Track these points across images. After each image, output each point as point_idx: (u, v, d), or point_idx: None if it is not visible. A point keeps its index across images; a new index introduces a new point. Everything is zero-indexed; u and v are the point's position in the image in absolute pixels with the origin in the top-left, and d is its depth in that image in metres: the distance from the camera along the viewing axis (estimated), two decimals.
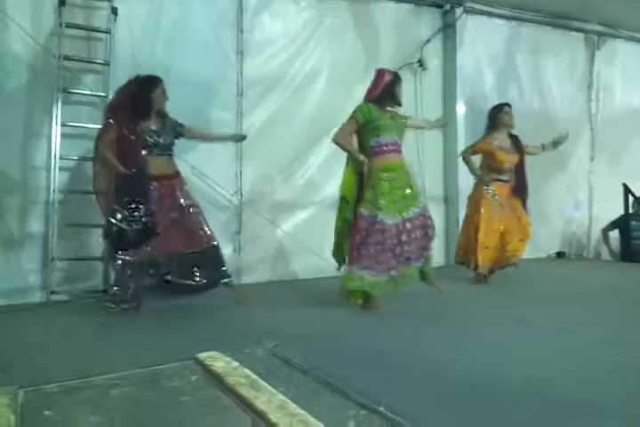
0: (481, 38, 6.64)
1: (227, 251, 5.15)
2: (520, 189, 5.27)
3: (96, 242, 4.53)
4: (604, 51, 7.51)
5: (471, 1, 6.35)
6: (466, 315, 3.89)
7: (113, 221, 3.79)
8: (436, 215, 5.60)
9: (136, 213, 3.77)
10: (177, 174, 4.14)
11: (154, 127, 4.00)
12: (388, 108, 4.10)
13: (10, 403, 2.05)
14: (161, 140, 3.99)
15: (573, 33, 7.32)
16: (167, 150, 4.06)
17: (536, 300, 4.39)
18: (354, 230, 3.97)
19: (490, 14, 6.64)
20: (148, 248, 3.91)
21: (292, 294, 4.64)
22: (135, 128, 3.89)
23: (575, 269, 6.57)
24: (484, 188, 5.15)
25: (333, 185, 5.61)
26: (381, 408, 2.04)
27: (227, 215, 5.23)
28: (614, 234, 7.31)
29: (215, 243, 4.18)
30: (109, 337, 3.36)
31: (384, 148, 4.00)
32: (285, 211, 5.49)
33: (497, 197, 5.13)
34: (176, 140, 4.16)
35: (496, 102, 5.48)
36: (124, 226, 3.75)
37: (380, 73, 4.14)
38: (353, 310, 3.93)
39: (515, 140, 5.24)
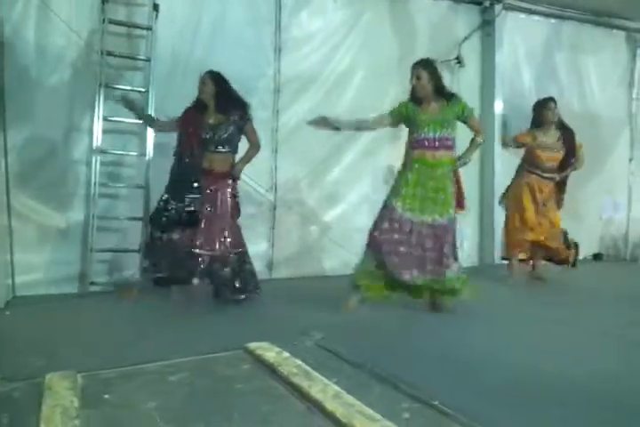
0: (520, 36, 6.55)
1: (261, 246, 5.24)
2: (558, 189, 5.23)
3: (134, 234, 4.61)
4: None
5: None
6: (506, 315, 3.87)
7: (159, 207, 3.91)
8: (472, 216, 5.59)
9: (181, 204, 3.83)
10: (227, 174, 4.09)
11: (211, 121, 4.02)
12: (432, 103, 3.92)
13: (71, 386, 2.12)
14: (215, 136, 3.99)
15: (614, 31, 7.16)
16: (223, 146, 4.03)
17: (575, 301, 4.34)
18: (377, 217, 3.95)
19: (530, 11, 6.54)
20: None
21: (325, 290, 4.65)
22: (191, 122, 3.95)
23: (613, 271, 6.45)
24: (525, 181, 5.15)
25: (365, 183, 5.66)
26: (436, 402, 2.05)
27: (261, 210, 5.27)
28: None
29: (237, 252, 4.11)
30: (150, 326, 3.44)
31: (423, 142, 3.87)
32: (318, 207, 5.51)
33: (537, 192, 5.09)
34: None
35: (535, 100, 5.42)
36: (168, 212, 3.84)
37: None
38: (386, 305, 3.92)
39: (567, 135, 5.18)
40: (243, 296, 4.05)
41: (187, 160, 3.91)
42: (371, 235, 3.89)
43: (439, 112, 3.90)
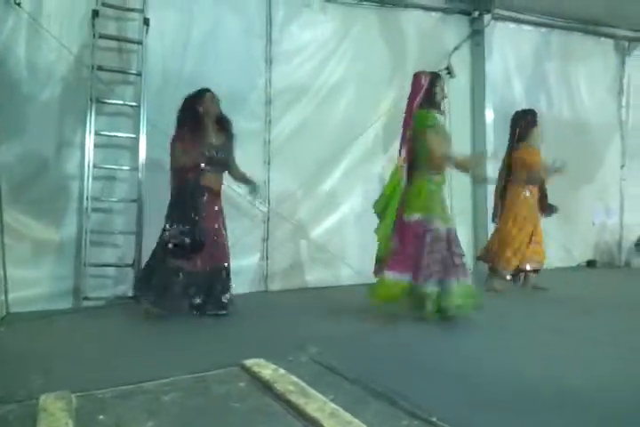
0: (509, 45, 6.60)
1: (254, 258, 5.22)
2: (542, 196, 5.28)
3: (127, 249, 4.60)
4: (635, 56, 7.38)
5: (500, 8, 6.31)
6: (502, 326, 3.85)
7: (167, 233, 3.90)
8: (464, 228, 5.58)
9: (187, 227, 3.84)
10: (221, 191, 4.21)
11: (214, 141, 4.05)
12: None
13: (66, 408, 2.10)
14: (218, 155, 4.03)
15: (603, 39, 7.23)
16: (223, 166, 4.11)
17: (569, 310, 4.34)
18: (410, 237, 3.89)
19: (519, 21, 6.59)
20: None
21: (320, 302, 4.64)
22: (191, 142, 3.93)
23: (607, 278, 6.46)
24: (522, 189, 5.16)
25: (359, 193, 5.66)
26: (434, 418, 2.04)
27: (254, 222, 5.27)
28: None
29: (226, 264, 4.13)
30: (145, 342, 3.42)
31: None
32: (312, 219, 5.51)
33: (531, 199, 5.12)
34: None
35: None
36: (175, 239, 3.83)
37: (416, 77, 4.02)
38: (382, 316, 3.90)
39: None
40: (225, 312, 4.04)
41: (191, 179, 3.93)
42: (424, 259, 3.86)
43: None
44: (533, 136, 5.15)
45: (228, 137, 4.12)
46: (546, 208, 5.26)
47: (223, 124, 4.13)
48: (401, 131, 4.04)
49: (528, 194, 5.15)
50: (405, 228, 3.90)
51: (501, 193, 5.29)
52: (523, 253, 5.08)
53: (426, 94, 3.94)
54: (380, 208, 3.96)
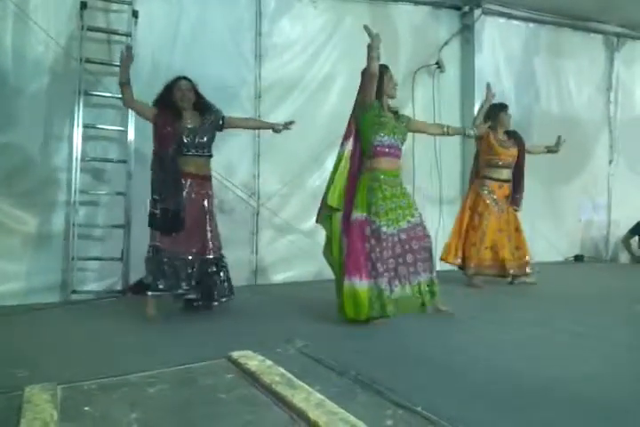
0: (499, 40, 6.63)
1: (244, 252, 5.22)
2: (516, 189, 5.22)
3: (116, 242, 4.59)
4: (624, 52, 7.45)
5: (489, 2, 6.33)
6: (486, 319, 3.87)
7: (150, 208, 3.85)
8: (452, 217, 5.60)
9: (165, 203, 3.79)
10: (209, 177, 4.09)
11: (190, 125, 3.95)
12: (390, 107, 3.86)
13: (51, 399, 2.09)
14: (197, 139, 3.94)
15: (592, 35, 7.27)
16: (204, 150, 3.99)
17: (555, 304, 4.38)
18: (354, 237, 3.58)
19: (508, 16, 6.61)
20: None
21: (309, 295, 4.65)
22: (168, 125, 3.86)
23: (593, 272, 6.52)
24: (481, 187, 5.15)
25: None
26: (419, 408, 2.06)
27: (244, 216, 5.27)
28: (635, 239, 7.22)
29: (222, 254, 4.09)
30: (133, 336, 3.39)
31: (386, 149, 3.69)
32: (302, 212, 5.50)
33: (495, 196, 5.11)
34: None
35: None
36: (156, 212, 3.79)
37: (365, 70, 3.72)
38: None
39: (513, 135, 5.24)
40: (225, 299, 4.01)
41: (165, 160, 3.86)
42: (362, 260, 3.56)
43: (400, 118, 3.90)
44: (503, 124, 5.15)
45: (205, 121, 4.01)
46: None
47: (202, 109, 4.05)
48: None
49: (487, 190, 5.14)
50: (353, 227, 3.61)
51: None
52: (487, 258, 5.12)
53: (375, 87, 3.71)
54: (337, 200, 3.66)
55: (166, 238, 3.83)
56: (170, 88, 3.95)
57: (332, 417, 1.90)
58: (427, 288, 3.73)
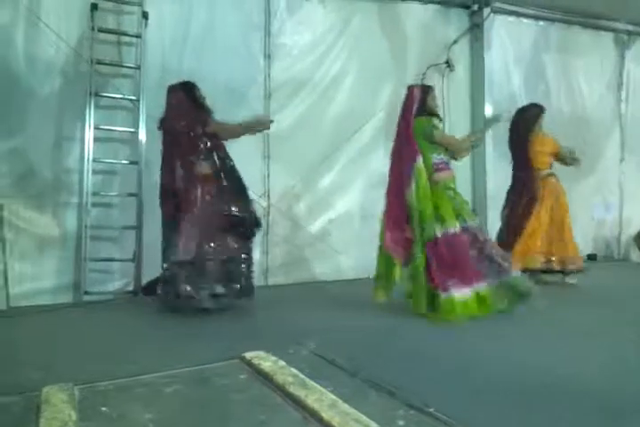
0: (508, 39, 6.59)
1: (255, 253, 5.19)
2: None
3: (128, 243, 4.60)
4: (634, 50, 7.37)
5: (499, 1, 6.30)
6: (495, 318, 3.82)
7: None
8: None
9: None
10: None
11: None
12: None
13: (68, 399, 2.11)
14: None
15: (602, 32, 7.20)
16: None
17: (564, 302, 4.34)
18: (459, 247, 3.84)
19: (518, 14, 6.57)
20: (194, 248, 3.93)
21: (320, 295, 4.65)
22: (191, 132, 4.02)
23: (607, 271, 6.46)
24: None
25: (359, 187, 5.66)
26: (431, 409, 2.06)
27: None
28: None
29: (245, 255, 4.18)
30: (146, 337, 3.41)
31: (443, 165, 4.06)
32: (312, 212, 5.50)
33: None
34: None
35: (524, 103, 5.46)
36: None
37: (409, 90, 4.11)
38: (383, 310, 3.91)
39: None
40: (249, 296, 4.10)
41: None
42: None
43: None
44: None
45: None
46: None
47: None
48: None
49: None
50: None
51: None
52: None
53: (420, 104, 4.02)
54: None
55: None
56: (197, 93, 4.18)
57: (346, 417, 1.91)
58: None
